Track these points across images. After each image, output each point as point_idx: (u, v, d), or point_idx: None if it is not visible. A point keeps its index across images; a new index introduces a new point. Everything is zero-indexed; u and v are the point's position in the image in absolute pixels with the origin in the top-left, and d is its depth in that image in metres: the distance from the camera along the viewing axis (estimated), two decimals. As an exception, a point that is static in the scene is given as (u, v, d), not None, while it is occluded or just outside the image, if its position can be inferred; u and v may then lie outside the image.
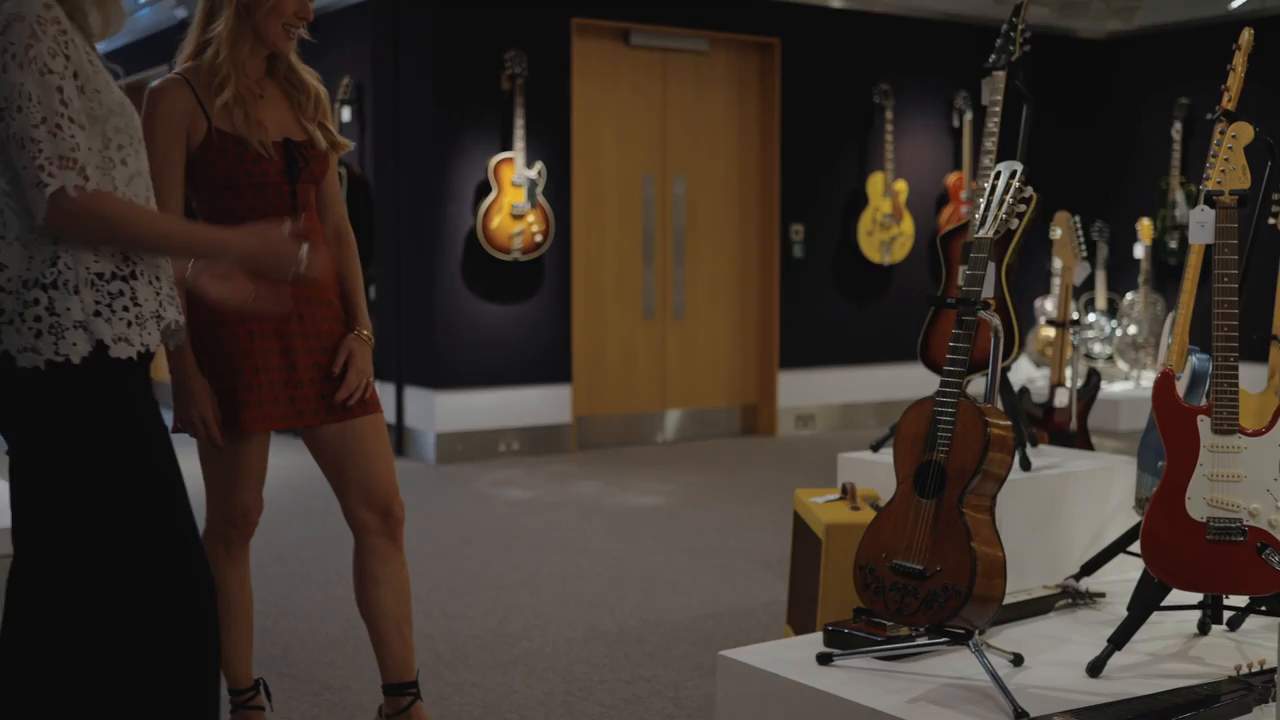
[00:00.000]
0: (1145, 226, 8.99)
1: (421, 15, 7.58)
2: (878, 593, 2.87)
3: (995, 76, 3.99)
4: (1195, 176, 9.04)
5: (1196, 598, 3.12)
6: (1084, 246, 5.31)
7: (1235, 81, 3.26)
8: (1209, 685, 2.78)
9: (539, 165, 7.66)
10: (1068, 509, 3.79)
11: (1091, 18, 9.60)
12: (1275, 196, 3.41)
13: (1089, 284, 9.25)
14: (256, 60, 2.89)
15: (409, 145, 7.70)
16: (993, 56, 3.99)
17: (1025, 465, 3.81)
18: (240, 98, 2.82)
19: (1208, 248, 3.06)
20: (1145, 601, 3.01)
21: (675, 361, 8.51)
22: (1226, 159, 2.96)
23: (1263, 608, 3.10)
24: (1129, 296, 9.22)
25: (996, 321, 2.92)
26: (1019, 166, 2.99)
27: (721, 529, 5.81)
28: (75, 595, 2.20)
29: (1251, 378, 3.24)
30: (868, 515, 3.56)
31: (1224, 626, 3.21)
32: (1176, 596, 3.04)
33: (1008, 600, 3.27)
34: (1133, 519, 3.64)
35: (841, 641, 3.05)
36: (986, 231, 2.95)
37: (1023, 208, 3.02)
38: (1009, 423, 2.86)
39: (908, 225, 9.04)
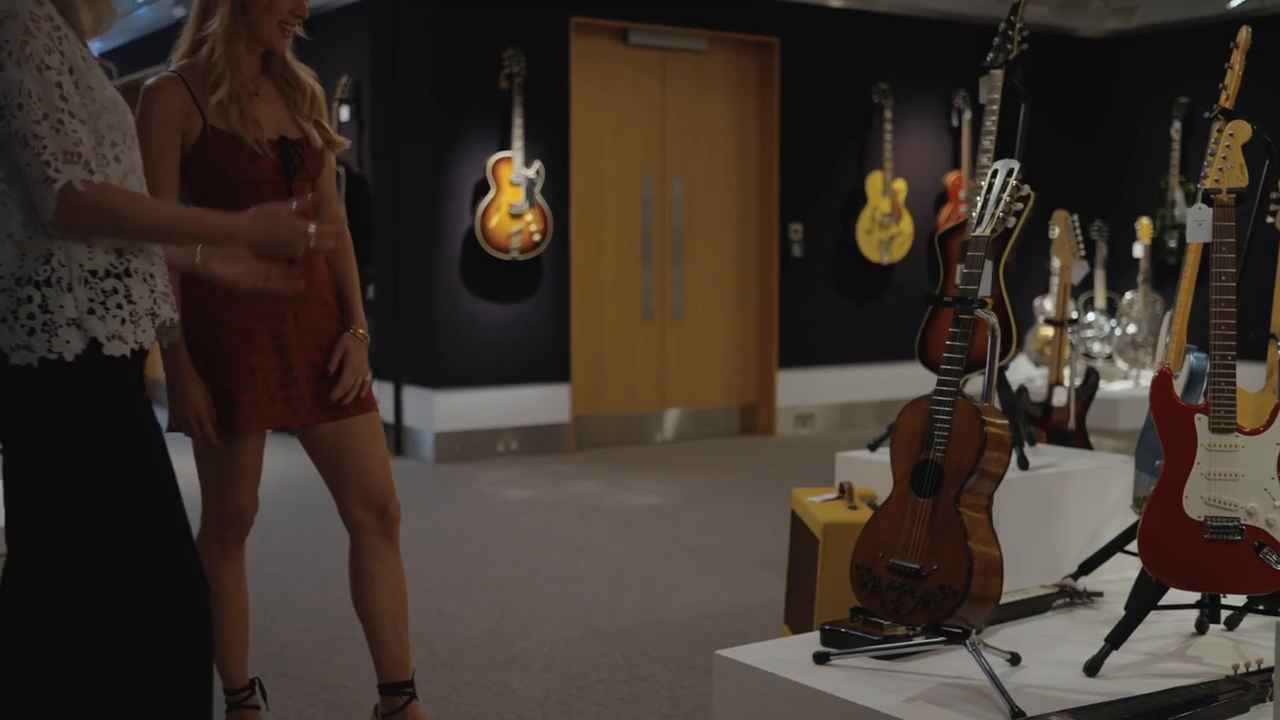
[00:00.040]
0: (1144, 226, 8.99)
1: (420, 14, 7.57)
2: (874, 592, 2.87)
3: (993, 75, 3.98)
4: (1195, 176, 9.03)
5: (1194, 597, 3.11)
6: (1082, 245, 5.31)
7: (1233, 80, 3.25)
8: (1206, 685, 2.78)
9: (537, 164, 7.65)
10: (1065, 508, 3.79)
11: (1091, 17, 9.59)
12: (1273, 195, 3.40)
13: (1088, 283, 9.24)
14: (252, 58, 2.88)
15: (407, 144, 7.70)
16: (990, 55, 3.98)
17: (1023, 464, 3.81)
18: (235, 95, 2.81)
19: (1206, 246, 3.06)
20: (1143, 601, 3.01)
21: (674, 361, 8.51)
22: (1224, 157, 2.96)
23: (1260, 607, 3.10)
24: (1128, 296, 9.22)
25: (993, 320, 2.91)
26: (1016, 164, 2.99)
27: (720, 529, 5.81)
28: (69, 594, 2.19)
29: (1249, 376, 3.24)
30: (865, 514, 3.55)
31: (1222, 626, 3.21)
32: (1174, 596, 3.03)
33: (1006, 599, 3.26)
34: (1131, 518, 3.63)
35: (838, 641, 3.04)
36: (983, 230, 2.95)
37: (1020, 206, 3.02)
38: (1006, 421, 2.85)
39: (907, 224, 9.03)
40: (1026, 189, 3.20)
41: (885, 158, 8.93)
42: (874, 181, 8.91)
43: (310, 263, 2.86)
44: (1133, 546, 3.16)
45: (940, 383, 2.85)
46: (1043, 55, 9.25)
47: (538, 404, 7.86)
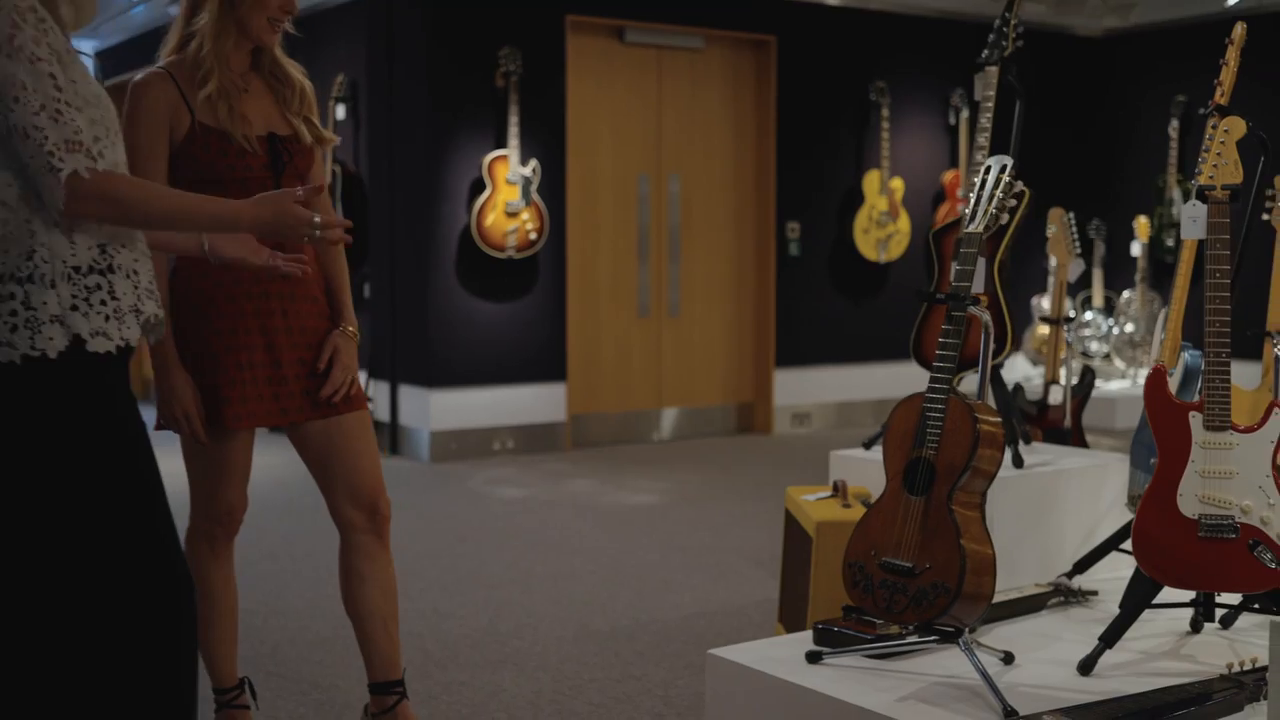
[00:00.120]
0: (1142, 224, 8.97)
1: (416, 13, 7.56)
2: (867, 590, 2.85)
3: (988, 72, 3.97)
4: (1192, 174, 9.01)
5: (1188, 595, 3.10)
6: (1078, 243, 5.30)
7: (1228, 76, 3.24)
8: (1201, 683, 2.77)
9: (533, 163, 7.64)
10: (1060, 506, 3.77)
11: (1088, 15, 9.58)
12: (1269, 191, 3.39)
13: (1084, 281, 9.22)
14: (241, 54, 2.87)
15: (403, 143, 7.68)
16: (985, 51, 3.97)
17: (1018, 463, 3.79)
18: (224, 91, 2.80)
19: (1201, 243, 3.05)
20: (1137, 599, 3.00)
21: (670, 360, 8.49)
22: (1219, 154, 2.95)
23: (1255, 605, 3.08)
24: (1126, 294, 9.20)
25: (986, 317, 2.90)
26: (1009, 161, 2.97)
27: (716, 527, 5.79)
28: (50, 593, 2.17)
29: (1244, 374, 3.23)
30: (859, 513, 3.54)
31: (1216, 624, 3.19)
32: (1168, 594, 3.02)
33: (999, 598, 3.25)
34: (1126, 516, 3.62)
35: (831, 640, 3.03)
36: (976, 226, 2.93)
37: (1014, 203, 3.00)
38: (999, 419, 2.84)
39: (904, 223, 9.02)
40: (1020, 186, 3.18)
41: (882, 156, 8.91)
42: (871, 180, 8.90)
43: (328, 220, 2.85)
44: (1127, 545, 3.15)
45: (933, 380, 2.83)
46: (1040, 53, 9.24)
47: (534, 403, 7.85)
